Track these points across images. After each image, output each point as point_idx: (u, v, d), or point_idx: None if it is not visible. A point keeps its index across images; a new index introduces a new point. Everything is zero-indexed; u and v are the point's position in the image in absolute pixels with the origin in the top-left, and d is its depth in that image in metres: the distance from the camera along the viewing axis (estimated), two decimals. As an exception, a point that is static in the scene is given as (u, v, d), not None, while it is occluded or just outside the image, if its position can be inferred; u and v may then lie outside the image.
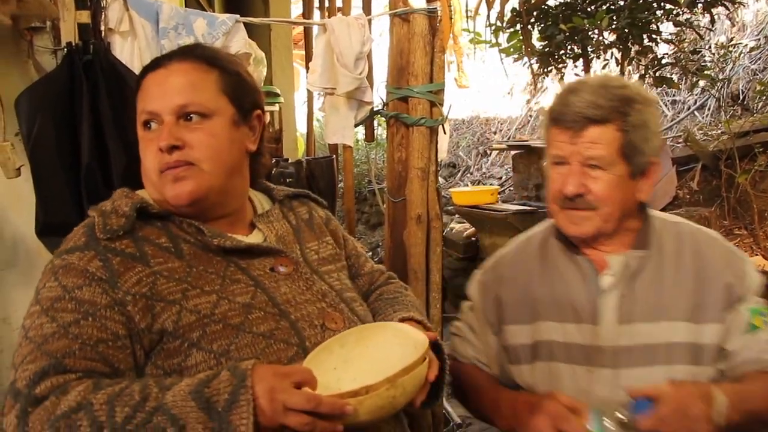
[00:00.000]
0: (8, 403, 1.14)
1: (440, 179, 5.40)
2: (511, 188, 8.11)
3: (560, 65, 5.59)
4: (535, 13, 4.97)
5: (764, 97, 5.88)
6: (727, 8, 4.91)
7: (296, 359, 1.27)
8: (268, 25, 3.67)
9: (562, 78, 5.59)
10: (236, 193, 1.45)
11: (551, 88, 8.19)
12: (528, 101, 9.66)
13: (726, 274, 1.54)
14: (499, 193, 7.30)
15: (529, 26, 5.11)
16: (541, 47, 5.41)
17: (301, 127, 5.85)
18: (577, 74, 5.69)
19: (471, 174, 9.49)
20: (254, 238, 1.45)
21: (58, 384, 1.13)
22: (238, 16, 2.21)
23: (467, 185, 8.94)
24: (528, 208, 6.91)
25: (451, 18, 2.61)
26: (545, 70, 5.57)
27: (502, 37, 5.31)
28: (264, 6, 4.85)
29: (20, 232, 2.02)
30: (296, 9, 6.75)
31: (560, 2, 4.89)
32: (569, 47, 5.29)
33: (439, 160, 2.84)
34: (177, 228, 1.35)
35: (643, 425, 1.32)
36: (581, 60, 5.43)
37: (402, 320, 1.44)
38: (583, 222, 1.54)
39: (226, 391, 1.09)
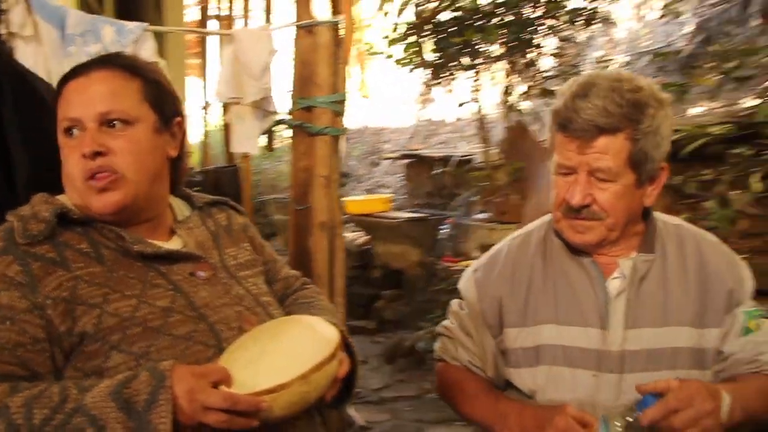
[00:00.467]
0: None
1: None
2: (404, 196, 8.33)
3: (451, 76, 5.87)
4: (428, 27, 5.19)
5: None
6: (604, 25, 5.32)
7: (214, 360, 1.29)
8: (161, 33, 3.65)
9: (452, 89, 5.86)
10: (158, 199, 1.47)
11: (439, 99, 8.48)
12: (418, 111, 9.94)
13: (728, 280, 1.53)
14: (391, 202, 7.51)
15: (423, 38, 5.32)
16: (434, 59, 5.65)
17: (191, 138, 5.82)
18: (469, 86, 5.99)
19: (363, 183, 9.70)
20: (174, 243, 1.47)
21: None
22: (147, 24, 2.20)
23: (359, 194, 9.12)
24: (421, 215, 7.14)
25: (353, 31, 2.70)
26: (437, 80, 5.81)
27: (397, 49, 5.51)
28: (157, 12, 4.77)
29: None
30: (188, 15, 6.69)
31: (453, 17, 5.12)
32: (461, 59, 5.55)
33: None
34: (98, 234, 1.36)
35: (651, 415, 1.31)
36: (471, 71, 5.73)
37: None
38: (588, 231, 1.49)
39: (146, 392, 1.13)
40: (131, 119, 1.37)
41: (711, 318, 1.51)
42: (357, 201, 7.17)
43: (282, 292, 1.68)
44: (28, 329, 1.22)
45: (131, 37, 2.12)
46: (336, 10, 2.71)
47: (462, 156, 7.04)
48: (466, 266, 5.68)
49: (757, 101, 4.18)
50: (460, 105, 6.08)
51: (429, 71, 5.80)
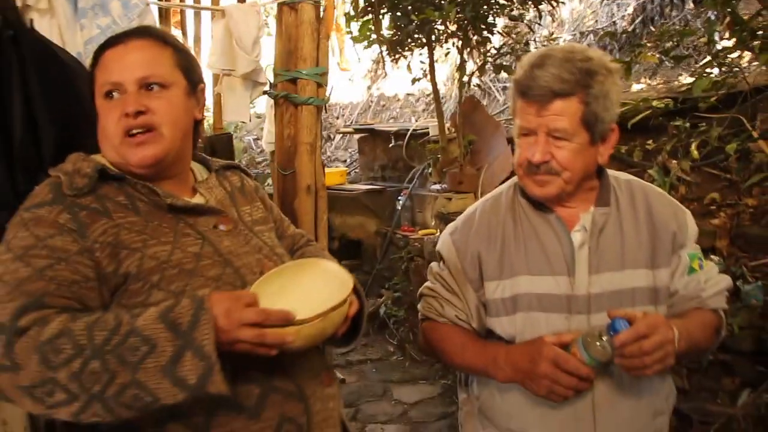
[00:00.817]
0: None
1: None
2: (357, 170, 8.49)
3: (407, 52, 6.04)
4: (386, 4, 5.34)
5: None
6: (551, 5, 5.56)
7: None
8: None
9: (409, 65, 6.02)
10: (185, 157, 1.62)
11: (391, 75, 8.64)
12: (369, 87, 10.08)
13: (672, 224, 1.70)
14: (346, 175, 7.68)
15: (380, 16, 5.48)
16: (389, 35, 5.81)
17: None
18: (422, 61, 6.15)
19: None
20: (197, 200, 1.62)
21: (40, 317, 1.26)
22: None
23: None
24: (378, 187, 7.34)
25: (334, 7, 2.89)
26: (394, 57, 5.97)
27: (355, 26, 5.65)
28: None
29: None
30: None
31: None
32: (417, 36, 5.72)
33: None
34: (131, 189, 1.50)
35: (623, 338, 1.47)
36: (426, 48, 5.90)
37: None
38: (547, 185, 1.64)
39: (189, 314, 1.26)
40: (167, 83, 1.52)
41: (661, 259, 1.68)
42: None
43: (290, 247, 1.85)
44: (80, 269, 1.36)
45: (136, 11, 2.27)
46: (318, -14, 2.89)
47: (415, 130, 7.19)
48: (424, 235, 5.98)
49: (693, 79, 4.41)
50: (415, 81, 6.25)
51: (385, 47, 5.93)
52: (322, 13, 2.90)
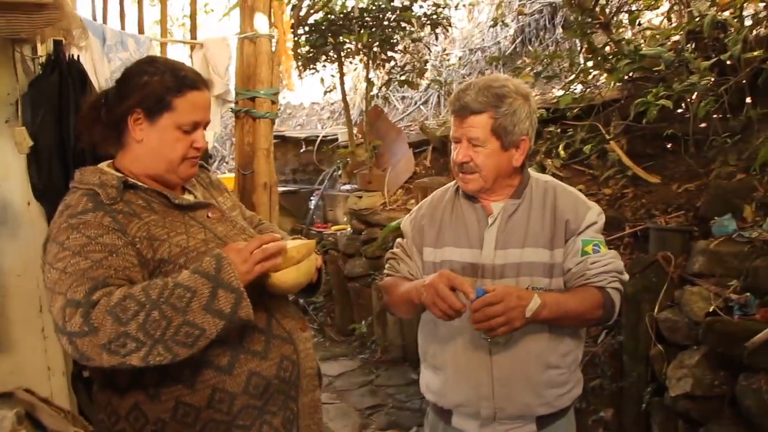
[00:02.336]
0: (69, 312, 1.50)
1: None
2: (269, 174, 8.99)
3: (317, 67, 6.75)
4: (307, 26, 6.08)
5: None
6: (444, 28, 6.43)
7: None
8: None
9: (322, 79, 6.73)
10: None
11: (298, 86, 9.29)
12: (283, 97, 10.67)
13: (568, 214, 1.97)
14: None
15: (298, 36, 6.20)
16: (305, 52, 6.55)
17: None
18: (332, 75, 6.87)
19: (228, 163, 10.30)
20: (189, 197, 1.89)
21: (106, 293, 1.53)
22: (151, 36, 3.00)
23: (224, 173, 9.65)
24: (291, 188, 7.92)
25: (285, 41, 3.63)
26: (308, 71, 6.69)
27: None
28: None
29: (9, 197, 2.58)
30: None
31: (326, 19, 6.05)
32: (329, 53, 6.48)
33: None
34: (145, 193, 1.76)
35: (474, 305, 1.75)
36: (336, 64, 6.65)
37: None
38: (470, 181, 1.99)
39: (212, 265, 1.57)
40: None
41: (557, 242, 1.97)
42: (228, 178, 7.73)
43: (251, 225, 2.10)
44: (128, 258, 1.63)
45: (145, 46, 2.91)
46: (272, 24, 3.62)
47: (325, 136, 7.83)
48: (337, 230, 6.61)
49: (563, 92, 5.28)
50: (327, 92, 6.93)
51: (299, 63, 6.60)
52: (274, 46, 3.64)
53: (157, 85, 1.71)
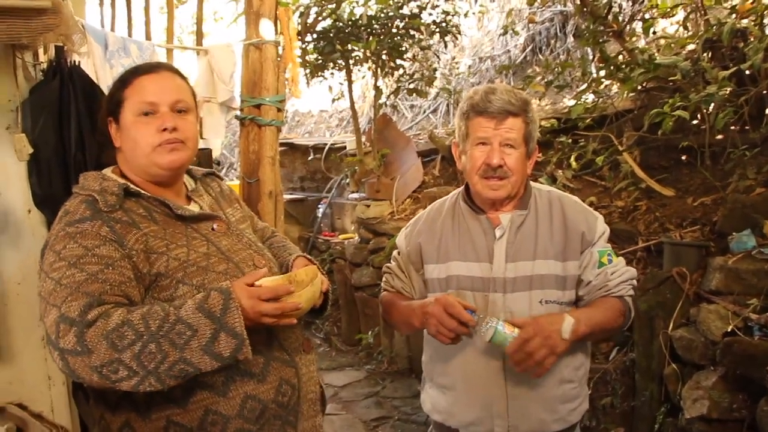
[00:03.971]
0: (63, 328, 1.46)
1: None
2: (278, 181, 8.94)
3: (326, 74, 6.69)
4: (315, 33, 6.02)
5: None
6: (454, 36, 6.36)
7: None
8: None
9: (330, 86, 6.66)
10: (186, 167, 1.86)
11: (307, 93, 9.25)
12: (291, 105, 10.63)
13: (581, 226, 1.94)
14: (268, 185, 8.14)
15: (306, 43, 6.14)
16: (313, 59, 6.48)
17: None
18: (340, 83, 6.81)
19: (235, 170, 10.19)
20: (194, 207, 1.82)
21: (103, 312, 1.48)
22: (154, 42, 2.94)
23: (232, 180, 9.64)
24: (298, 196, 7.87)
25: (292, 48, 3.57)
26: (317, 78, 6.63)
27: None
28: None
29: (10, 205, 2.48)
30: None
31: (334, 26, 5.99)
32: (337, 61, 6.41)
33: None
34: (147, 202, 1.71)
35: (511, 348, 1.71)
36: (344, 71, 6.59)
37: (296, 258, 1.91)
38: (500, 188, 1.92)
39: (219, 304, 1.50)
40: (189, 108, 1.76)
41: (570, 253, 1.93)
42: (234, 186, 7.68)
43: (261, 239, 2.05)
44: (124, 272, 1.57)
45: (148, 52, 2.85)
46: (279, 31, 3.55)
47: (333, 144, 7.77)
48: (345, 239, 6.58)
49: (574, 102, 5.16)
50: (335, 99, 6.87)
51: (308, 70, 6.56)
52: (280, 52, 3.57)
53: (113, 88, 1.76)
